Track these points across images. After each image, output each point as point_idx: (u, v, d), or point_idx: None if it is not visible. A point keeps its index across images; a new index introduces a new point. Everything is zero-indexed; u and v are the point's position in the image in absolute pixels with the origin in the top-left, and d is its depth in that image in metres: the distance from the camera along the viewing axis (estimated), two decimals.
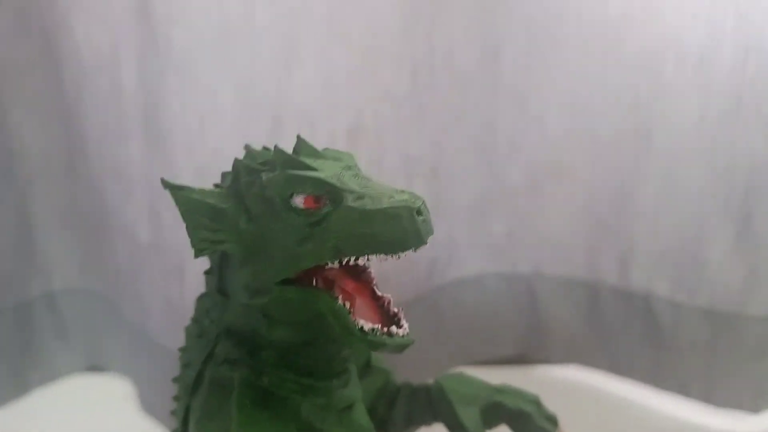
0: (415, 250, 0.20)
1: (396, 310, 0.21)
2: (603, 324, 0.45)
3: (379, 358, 0.29)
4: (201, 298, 0.24)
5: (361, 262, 0.20)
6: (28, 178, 0.45)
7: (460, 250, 0.47)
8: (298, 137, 0.22)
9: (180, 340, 0.40)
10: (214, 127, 0.36)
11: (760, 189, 0.39)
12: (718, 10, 0.38)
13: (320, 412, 0.22)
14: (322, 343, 0.22)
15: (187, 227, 0.20)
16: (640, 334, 0.44)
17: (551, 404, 0.33)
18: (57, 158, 0.46)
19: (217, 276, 0.22)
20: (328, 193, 0.20)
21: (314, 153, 0.22)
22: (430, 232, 0.20)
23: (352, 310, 0.20)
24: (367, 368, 0.28)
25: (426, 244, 0.20)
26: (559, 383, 0.47)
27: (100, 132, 0.42)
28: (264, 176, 0.20)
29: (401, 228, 0.19)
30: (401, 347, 0.20)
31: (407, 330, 0.21)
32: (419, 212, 0.19)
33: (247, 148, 0.23)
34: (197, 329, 0.24)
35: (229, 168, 0.38)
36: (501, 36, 0.43)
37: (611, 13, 0.41)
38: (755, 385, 0.41)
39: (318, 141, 0.40)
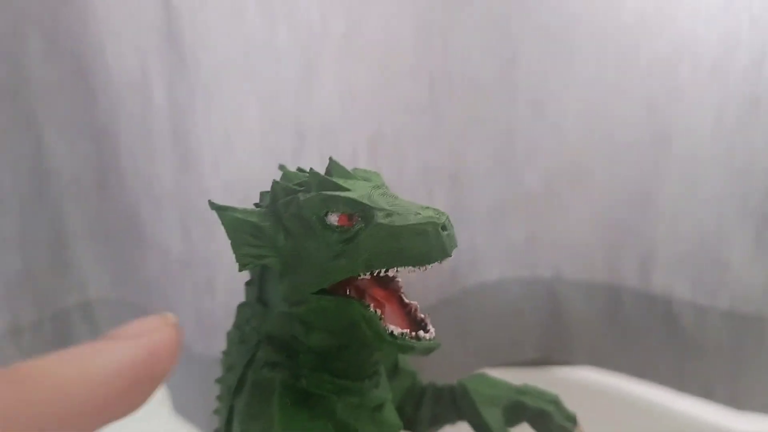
0: (440, 262, 0.21)
1: (423, 316, 0.23)
2: (625, 327, 0.46)
3: (407, 360, 0.30)
4: (242, 307, 0.26)
5: (390, 273, 0.21)
6: (62, 195, 0.47)
7: (482, 256, 0.48)
8: (331, 159, 0.23)
9: (211, 347, 0.42)
10: (241, 144, 0.38)
11: None
12: (732, 14, 0.38)
13: (354, 411, 0.23)
14: (355, 348, 0.23)
15: (232, 244, 0.22)
16: (662, 337, 0.44)
17: (573, 406, 0.34)
18: (90, 175, 0.48)
19: (257, 287, 0.24)
20: (360, 212, 0.21)
21: (345, 174, 0.23)
22: (454, 245, 0.21)
23: (382, 316, 0.22)
24: (395, 370, 0.29)
25: (450, 256, 0.21)
26: (581, 385, 0.48)
27: (132, 150, 0.44)
28: (300, 197, 0.22)
29: (427, 242, 0.20)
30: (428, 350, 0.22)
31: (433, 334, 0.22)
32: (444, 227, 0.21)
33: (282, 169, 0.24)
34: (239, 335, 0.25)
35: (255, 183, 0.40)
36: (517, 45, 0.44)
37: (625, 19, 0.41)
38: None
39: (340, 153, 0.42)
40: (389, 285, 0.23)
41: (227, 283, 0.42)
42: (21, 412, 0.15)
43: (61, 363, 0.16)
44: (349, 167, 0.33)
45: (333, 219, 0.21)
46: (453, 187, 0.46)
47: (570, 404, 0.31)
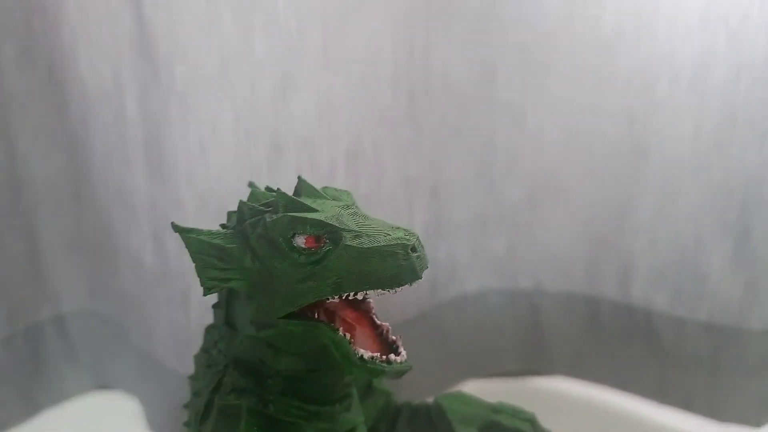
0: (410, 285, 0.20)
1: (394, 337, 0.22)
2: (605, 338, 0.46)
3: (381, 379, 0.30)
4: (209, 330, 0.25)
5: (359, 296, 0.20)
6: (35, 205, 0.46)
7: (462, 268, 0.48)
8: (299, 178, 0.23)
9: (184, 362, 0.41)
10: (215, 156, 0.37)
11: (756, 203, 0.40)
12: (709, 29, 0.38)
13: None
14: (324, 371, 0.22)
15: (196, 268, 0.22)
16: (642, 349, 0.44)
17: (552, 417, 0.33)
18: (63, 186, 0.47)
19: (224, 310, 0.23)
20: (328, 234, 0.21)
21: (314, 193, 0.23)
22: (425, 266, 0.21)
23: (352, 340, 0.21)
24: (368, 390, 0.29)
25: (420, 278, 0.21)
26: (561, 396, 0.48)
27: (105, 160, 0.43)
28: (267, 218, 0.21)
29: (397, 265, 0.20)
30: (400, 373, 0.21)
31: (405, 357, 0.22)
32: (414, 249, 0.20)
33: (252, 187, 0.24)
34: (206, 359, 0.25)
35: (230, 196, 0.39)
36: (496, 57, 0.44)
37: (604, 32, 0.41)
38: (759, 400, 0.41)
39: (318, 166, 0.41)
40: (360, 306, 0.23)
41: (201, 298, 0.41)
42: None
43: None
44: (327, 180, 0.33)
45: (300, 241, 0.21)
46: (433, 199, 0.46)
47: (550, 415, 0.30)
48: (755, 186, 0.39)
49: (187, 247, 0.22)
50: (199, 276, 0.22)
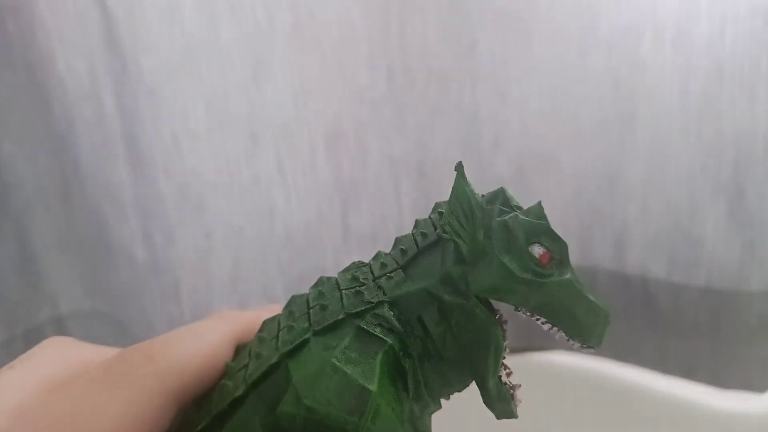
0: (585, 347, 0.21)
1: (514, 383, 0.22)
2: None
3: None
4: (361, 264, 0.24)
5: (545, 328, 0.21)
6: (25, 209, 0.47)
7: None
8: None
9: None
10: (190, 147, 0.37)
11: (750, 159, 0.38)
12: None
13: (407, 423, 0.21)
14: (456, 367, 0.22)
15: (446, 210, 0.21)
16: (640, 318, 0.43)
17: (555, 392, 0.33)
18: (52, 187, 0.47)
19: (410, 257, 0.22)
20: (561, 262, 0.21)
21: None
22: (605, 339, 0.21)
23: (504, 359, 0.21)
24: None
25: (598, 348, 0.21)
26: (560, 370, 0.47)
27: (91, 158, 0.43)
28: (521, 215, 0.21)
29: (595, 324, 0.20)
30: (510, 414, 0.22)
31: (519, 404, 0.22)
32: (609, 322, 0.21)
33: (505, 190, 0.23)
34: (348, 283, 0.23)
35: (208, 187, 0.39)
36: (475, 29, 0.43)
37: None
38: (761, 364, 0.40)
39: (298, 152, 0.41)
40: None
41: (191, 290, 0.41)
42: (156, 383, 0.18)
43: (183, 339, 0.20)
44: (308, 166, 0.32)
45: (537, 251, 0.20)
46: (420, 178, 0.45)
47: (551, 390, 0.30)
48: (747, 141, 0.38)
49: (453, 187, 0.21)
50: (445, 217, 0.21)
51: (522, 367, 0.28)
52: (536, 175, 0.44)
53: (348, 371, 0.20)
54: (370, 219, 0.44)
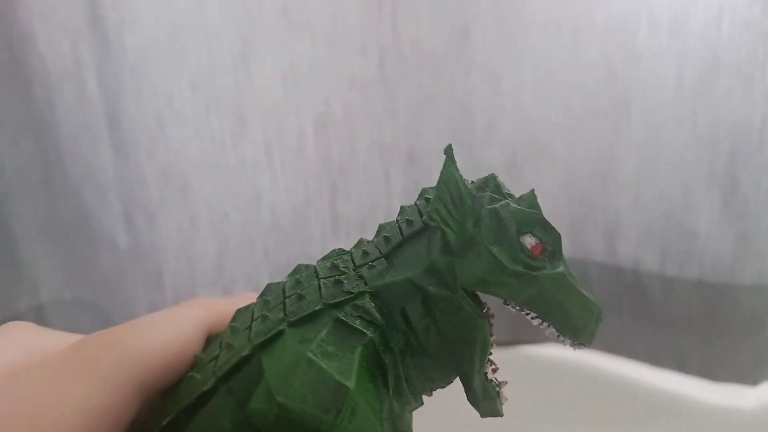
0: (575, 344, 0.20)
1: (500, 379, 0.21)
2: None
3: None
4: (341, 251, 0.23)
5: (535, 323, 0.20)
6: (6, 195, 0.45)
7: None
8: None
9: None
10: (174, 129, 0.36)
11: (744, 151, 0.38)
12: None
13: (387, 421, 0.20)
14: (438, 362, 0.21)
15: (434, 195, 0.20)
16: (632, 311, 0.43)
17: (546, 385, 0.32)
18: (33, 172, 0.45)
19: (394, 245, 0.21)
20: (553, 254, 0.20)
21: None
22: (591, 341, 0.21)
23: (490, 354, 0.21)
24: None
25: (589, 345, 0.20)
26: (551, 363, 0.46)
27: (73, 141, 0.42)
28: (513, 203, 0.20)
29: (587, 321, 0.20)
30: (495, 413, 0.21)
31: (505, 402, 0.21)
32: (601, 320, 0.20)
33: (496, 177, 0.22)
34: (327, 271, 0.22)
35: (193, 171, 0.38)
36: (468, 15, 0.42)
37: None
38: (754, 357, 0.40)
39: (285, 136, 0.40)
40: None
41: (174, 276, 0.40)
42: (120, 372, 0.17)
43: (151, 326, 0.19)
44: (296, 150, 0.31)
45: (529, 241, 0.20)
46: (410, 166, 0.44)
47: (543, 383, 0.29)
48: (742, 133, 0.37)
49: (442, 173, 0.20)
50: (432, 203, 0.20)
51: (512, 361, 0.28)
52: (528, 165, 0.44)
53: (324, 366, 0.19)
54: (358, 206, 0.43)
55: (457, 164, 0.20)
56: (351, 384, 0.19)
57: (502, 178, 0.21)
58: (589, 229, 0.43)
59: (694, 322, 0.41)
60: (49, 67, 0.40)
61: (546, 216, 0.20)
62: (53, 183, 0.46)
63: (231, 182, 0.38)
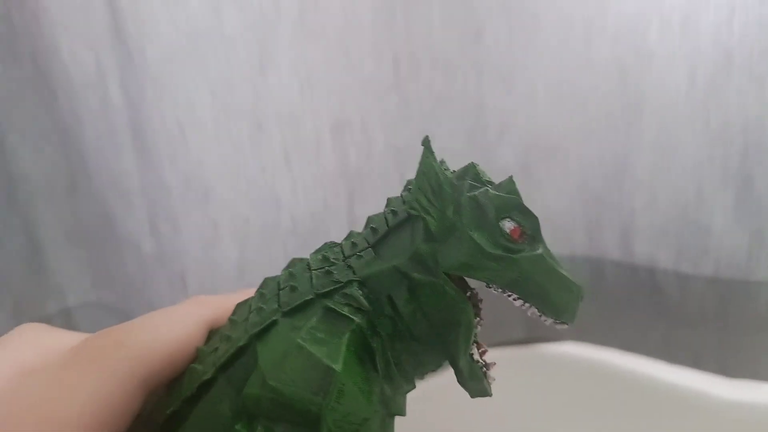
0: (557, 323, 0.21)
1: (490, 362, 0.22)
2: (609, 300, 0.45)
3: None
4: (331, 244, 0.24)
5: (517, 304, 0.21)
6: (32, 201, 0.47)
7: None
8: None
9: None
10: (196, 137, 0.37)
11: (758, 149, 0.38)
12: None
13: (379, 403, 0.21)
14: (427, 346, 0.22)
15: (414, 185, 0.21)
16: (647, 308, 0.43)
17: (563, 383, 0.32)
18: (58, 178, 0.47)
19: (381, 235, 0.22)
20: (533, 237, 0.21)
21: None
22: (575, 319, 0.21)
23: (475, 336, 0.21)
24: None
25: (569, 325, 0.21)
26: (568, 361, 0.47)
27: (97, 148, 0.43)
28: (491, 189, 0.21)
29: (568, 300, 0.20)
30: (483, 393, 0.21)
31: (493, 382, 0.21)
32: (583, 298, 0.21)
33: (475, 165, 0.23)
34: (318, 263, 0.23)
35: (214, 176, 0.39)
36: (481, 18, 0.43)
37: None
38: None
39: (303, 141, 0.41)
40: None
41: (198, 280, 0.41)
42: (125, 368, 0.18)
43: (153, 323, 0.20)
44: (314, 155, 0.32)
45: (508, 225, 0.20)
46: None
47: (560, 381, 0.29)
48: (755, 131, 0.38)
49: (421, 163, 0.21)
50: (413, 193, 0.21)
51: (529, 358, 0.29)
52: (542, 165, 0.44)
53: (313, 351, 0.20)
54: (376, 209, 0.44)
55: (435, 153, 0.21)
56: (338, 367, 0.20)
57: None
58: (604, 229, 0.43)
59: (709, 318, 0.41)
60: (73, 78, 0.42)
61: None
62: (78, 190, 0.47)
63: (251, 188, 0.39)
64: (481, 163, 0.43)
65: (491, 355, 0.21)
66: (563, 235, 0.44)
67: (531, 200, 0.47)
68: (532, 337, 0.49)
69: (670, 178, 0.41)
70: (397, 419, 0.23)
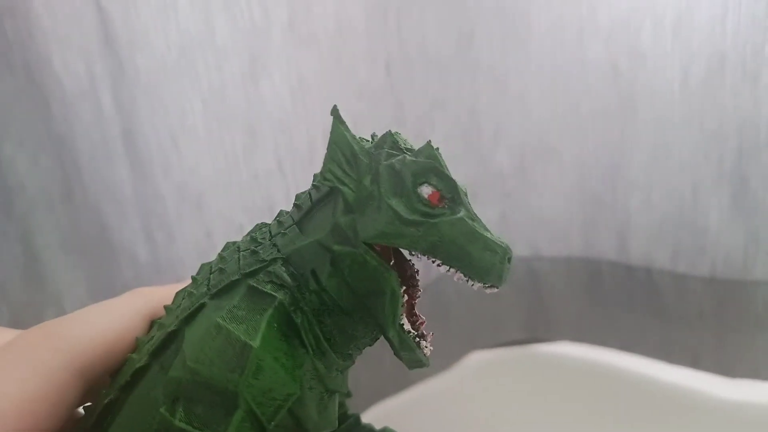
0: (485, 287, 0.20)
1: (426, 333, 0.22)
2: (606, 301, 0.45)
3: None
4: (263, 224, 0.24)
5: (443, 270, 0.20)
6: (28, 210, 0.47)
7: None
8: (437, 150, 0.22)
9: None
10: (188, 146, 0.37)
11: (753, 148, 0.38)
12: None
13: (312, 379, 0.21)
14: (358, 319, 0.22)
15: (327, 155, 0.21)
16: (645, 309, 0.43)
17: (560, 384, 0.32)
18: (54, 188, 0.47)
19: (304, 211, 0.22)
20: (452, 201, 0.20)
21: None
22: (507, 280, 0.21)
23: (404, 305, 0.21)
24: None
25: (500, 287, 0.20)
26: (565, 361, 0.47)
27: (90, 157, 0.43)
28: (408, 156, 0.21)
29: (492, 262, 0.20)
30: (417, 364, 0.21)
31: (429, 352, 0.21)
32: (509, 260, 0.20)
33: (395, 133, 0.23)
34: (248, 244, 0.23)
35: (207, 185, 0.39)
36: (473, 21, 0.42)
37: None
38: (766, 352, 0.40)
39: (296, 148, 0.41)
40: (407, 289, 0.22)
41: None
42: (56, 360, 0.18)
43: (89, 316, 0.20)
44: (307, 162, 0.32)
45: (426, 191, 0.20)
46: None
47: (557, 381, 0.29)
48: (750, 129, 0.37)
49: (331, 133, 0.21)
50: (324, 164, 0.21)
51: (527, 358, 0.29)
52: (538, 166, 0.44)
53: (231, 329, 0.20)
54: None
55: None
56: (255, 343, 0.20)
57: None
58: (600, 229, 0.43)
59: (706, 318, 0.41)
60: (66, 88, 0.41)
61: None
62: (73, 199, 0.47)
63: (244, 195, 0.39)
64: (476, 165, 0.43)
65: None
66: (560, 236, 0.44)
67: (527, 202, 0.47)
68: (530, 337, 0.49)
69: (666, 178, 0.41)
70: (397, 420, 0.23)
